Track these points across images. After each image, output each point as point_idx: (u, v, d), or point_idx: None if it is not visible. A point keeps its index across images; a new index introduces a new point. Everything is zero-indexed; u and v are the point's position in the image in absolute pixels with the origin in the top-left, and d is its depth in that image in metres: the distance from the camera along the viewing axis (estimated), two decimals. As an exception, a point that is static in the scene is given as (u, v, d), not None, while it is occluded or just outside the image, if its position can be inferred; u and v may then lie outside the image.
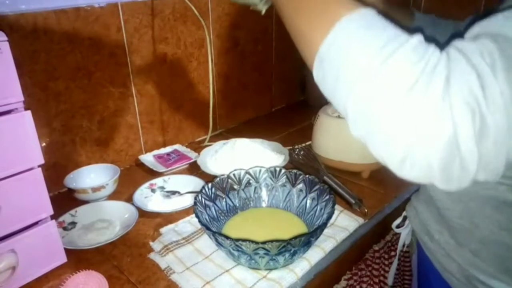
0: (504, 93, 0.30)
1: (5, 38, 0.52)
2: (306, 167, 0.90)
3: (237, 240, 0.55)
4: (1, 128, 0.53)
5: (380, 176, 0.85)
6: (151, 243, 0.69)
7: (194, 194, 0.75)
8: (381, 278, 0.83)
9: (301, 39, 0.40)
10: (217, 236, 0.57)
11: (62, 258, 0.65)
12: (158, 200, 0.82)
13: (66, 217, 0.75)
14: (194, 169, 0.95)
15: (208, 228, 0.59)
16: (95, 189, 0.80)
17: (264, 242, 0.55)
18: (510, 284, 0.51)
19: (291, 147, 1.00)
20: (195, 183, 0.86)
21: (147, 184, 0.86)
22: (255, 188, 0.77)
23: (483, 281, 0.53)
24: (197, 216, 0.62)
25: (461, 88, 0.30)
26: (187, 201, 0.80)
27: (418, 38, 0.34)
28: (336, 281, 0.72)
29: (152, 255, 0.66)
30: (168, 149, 1.04)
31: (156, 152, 1.02)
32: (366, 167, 0.85)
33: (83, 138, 0.89)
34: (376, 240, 0.81)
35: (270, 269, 0.61)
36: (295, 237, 0.55)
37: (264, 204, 0.77)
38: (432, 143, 0.31)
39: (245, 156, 0.89)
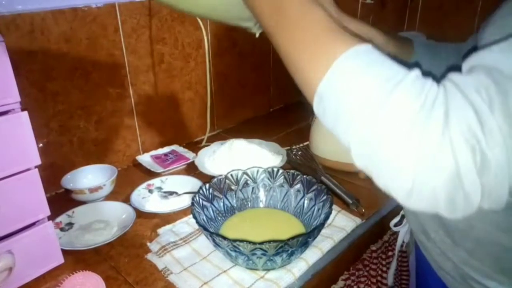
0: (502, 128, 0.31)
1: (1, 38, 0.52)
2: (304, 168, 0.90)
3: (235, 240, 0.55)
4: (-2, 128, 0.53)
5: (378, 177, 0.85)
6: (148, 243, 0.69)
7: (191, 195, 0.75)
8: (379, 278, 0.83)
9: (298, 75, 0.40)
10: (215, 236, 0.57)
11: (59, 259, 0.65)
12: (155, 201, 0.82)
13: (63, 218, 0.75)
14: (191, 169, 0.95)
15: (205, 229, 0.59)
16: (92, 190, 0.79)
17: (261, 243, 0.55)
18: (504, 284, 0.51)
19: (288, 148, 1.00)
20: (192, 183, 0.86)
21: (144, 185, 0.86)
22: (253, 188, 0.77)
23: (478, 280, 0.53)
24: (194, 217, 0.62)
25: (460, 125, 0.31)
26: (185, 201, 0.80)
27: (415, 73, 0.34)
28: (334, 281, 0.72)
29: (149, 256, 0.66)
30: (165, 149, 1.04)
31: (153, 152, 1.02)
32: (363, 167, 0.85)
33: (80, 139, 0.89)
34: (373, 240, 0.81)
35: (268, 270, 0.61)
36: (293, 238, 0.55)
37: (261, 205, 0.77)
38: (436, 178, 0.31)
39: (243, 157, 0.89)
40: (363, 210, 0.75)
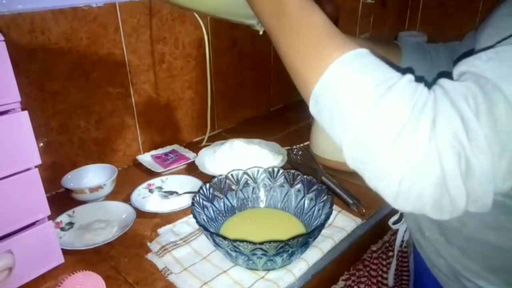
0: (487, 135, 0.31)
1: (2, 38, 0.52)
2: (304, 168, 0.90)
3: (235, 240, 0.55)
4: (-2, 128, 0.53)
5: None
6: (148, 243, 0.69)
7: (192, 195, 0.75)
8: (379, 278, 0.83)
9: (295, 76, 0.41)
10: (215, 236, 0.57)
11: (59, 259, 0.65)
12: (156, 201, 0.82)
13: (64, 218, 0.75)
14: (192, 169, 0.95)
15: (205, 229, 0.59)
16: (92, 190, 0.79)
17: (261, 243, 0.55)
18: (493, 283, 0.52)
19: (289, 147, 1.00)
20: (193, 183, 0.86)
21: (145, 185, 0.86)
22: (253, 188, 0.77)
23: (469, 278, 0.54)
24: (194, 217, 0.62)
25: (446, 132, 0.32)
26: (185, 201, 0.80)
27: (408, 78, 0.35)
28: (334, 282, 0.72)
29: (149, 256, 0.66)
30: (166, 149, 1.04)
31: (154, 152, 1.02)
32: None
33: (80, 138, 0.89)
34: (374, 240, 0.81)
35: (268, 270, 0.61)
36: (293, 238, 0.55)
37: (262, 205, 0.77)
38: (422, 183, 0.32)
39: (243, 157, 0.89)
40: (364, 211, 0.75)
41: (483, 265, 0.52)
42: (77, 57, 0.83)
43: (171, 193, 0.84)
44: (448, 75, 0.37)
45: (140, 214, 0.76)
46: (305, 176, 0.73)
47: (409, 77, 0.36)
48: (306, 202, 0.72)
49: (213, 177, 0.75)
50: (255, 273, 0.61)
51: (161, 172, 0.92)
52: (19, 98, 0.55)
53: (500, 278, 0.51)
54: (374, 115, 0.34)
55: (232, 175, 0.75)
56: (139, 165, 0.98)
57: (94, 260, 0.66)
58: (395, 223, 0.75)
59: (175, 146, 1.06)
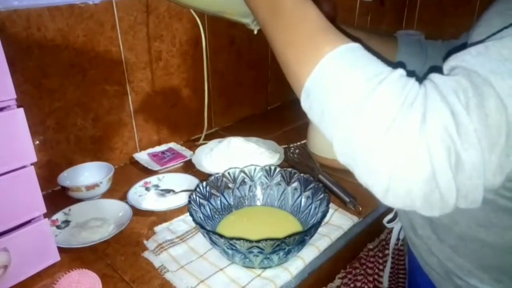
0: (477, 130, 0.31)
1: (-3, 34, 0.52)
2: (301, 166, 0.90)
3: (231, 238, 0.55)
4: (-7, 125, 0.53)
5: (375, 175, 0.85)
6: (145, 241, 0.69)
7: (188, 193, 0.75)
8: (375, 276, 0.84)
9: (288, 71, 0.42)
10: (211, 234, 0.57)
11: (55, 257, 0.64)
12: (152, 199, 0.82)
13: (60, 216, 0.75)
14: (189, 167, 0.94)
15: (202, 227, 0.59)
16: (89, 187, 0.79)
17: (258, 241, 0.55)
18: (484, 281, 0.52)
19: (286, 146, 1.00)
20: (189, 181, 0.86)
21: (141, 183, 0.85)
22: (250, 186, 0.77)
23: (460, 276, 0.54)
24: (191, 215, 0.62)
25: (436, 126, 0.31)
26: (182, 199, 0.80)
27: (399, 73, 0.35)
28: (330, 280, 0.73)
29: (146, 254, 0.66)
30: (163, 147, 1.04)
31: (150, 150, 1.02)
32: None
33: (77, 136, 0.89)
34: (370, 238, 0.81)
35: (265, 268, 0.61)
36: (290, 236, 0.55)
37: (258, 203, 0.77)
38: (412, 178, 0.32)
39: (240, 155, 0.89)
40: (360, 209, 0.75)
41: (474, 263, 0.52)
42: (73, 55, 0.83)
43: (168, 191, 0.84)
44: (439, 70, 0.37)
45: (137, 212, 0.76)
46: (302, 174, 0.73)
47: (400, 71, 0.36)
48: (303, 200, 0.72)
49: (210, 175, 0.75)
50: (252, 271, 0.61)
51: (158, 170, 0.92)
52: (14, 95, 0.55)
53: (491, 276, 0.51)
54: (364, 109, 0.34)
55: (229, 173, 0.75)
56: (135, 163, 0.97)
57: (90, 258, 0.66)
58: (389, 221, 0.75)
59: (172, 144, 1.05)
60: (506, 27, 0.37)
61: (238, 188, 0.76)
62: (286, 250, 0.57)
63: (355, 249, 0.77)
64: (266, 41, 0.45)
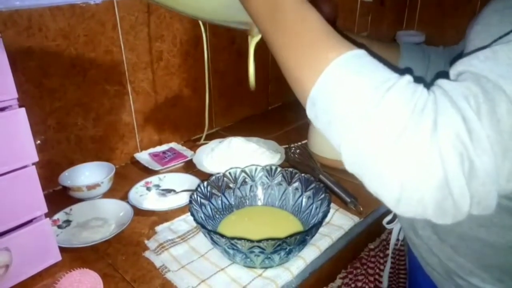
0: (490, 136, 0.31)
1: (-1, 34, 0.52)
2: (302, 166, 0.90)
3: (233, 238, 0.55)
4: (-5, 125, 0.53)
5: (376, 175, 0.85)
6: (146, 241, 0.69)
7: (189, 193, 0.75)
8: (376, 276, 0.84)
9: (291, 79, 0.41)
10: (212, 234, 0.57)
11: (57, 256, 0.64)
12: (153, 199, 0.82)
13: (61, 215, 0.75)
14: (189, 167, 0.94)
15: (203, 227, 0.59)
16: (90, 187, 0.79)
17: (259, 241, 0.55)
18: (485, 280, 0.52)
19: (287, 146, 1.00)
20: (190, 181, 0.86)
21: (142, 182, 0.86)
22: (251, 186, 0.77)
23: (462, 276, 0.54)
24: (192, 215, 0.62)
25: (448, 133, 0.31)
26: (183, 199, 0.80)
27: (407, 79, 0.35)
28: (331, 280, 0.73)
29: (147, 254, 0.66)
30: (163, 147, 1.04)
31: (151, 150, 1.02)
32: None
33: (78, 136, 0.89)
34: (371, 239, 0.81)
35: (266, 268, 0.61)
36: (291, 236, 0.55)
37: (259, 203, 0.77)
38: (424, 186, 0.32)
39: (241, 155, 0.89)
40: (361, 209, 0.75)
41: (475, 262, 0.52)
42: (74, 55, 0.83)
43: (169, 191, 0.84)
44: (445, 75, 0.37)
45: (138, 212, 0.76)
46: (302, 174, 0.73)
47: (408, 77, 0.35)
48: (304, 200, 0.72)
49: (211, 175, 0.75)
50: (253, 271, 0.61)
51: (159, 170, 0.92)
52: (16, 95, 0.55)
53: (492, 276, 0.51)
54: (373, 117, 0.33)
55: (230, 173, 0.75)
56: (136, 163, 0.97)
57: (92, 258, 0.66)
58: (389, 222, 0.75)
59: (173, 144, 1.05)
60: None
61: (239, 188, 0.76)
62: (287, 250, 0.57)
63: (356, 249, 0.77)
64: (267, 41, 0.45)
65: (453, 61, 0.37)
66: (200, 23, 0.93)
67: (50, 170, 0.84)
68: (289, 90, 0.43)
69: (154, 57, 0.97)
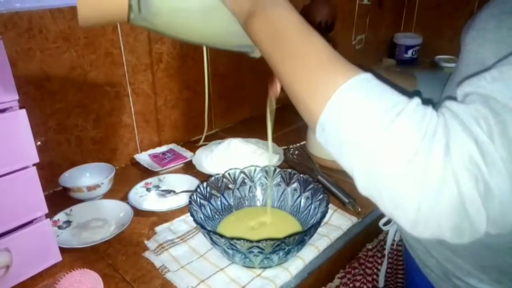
0: (503, 157, 0.31)
1: None
2: (301, 167, 0.90)
3: (232, 238, 0.56)
4: (-4, 126, 0.53)
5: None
6: (146, 241, 0.69)
7: (189, 193, 0.76)
8: (374, 276, 0.84)
9: (300, 105, 0.40)
10: (212, 234, 0.57)
11: (57, 257, 0.65)
12: (153, 199, 0.82)
13: (61, 216, 0.75)
14: (189, 168, 0.95)
15: (203, 227, 0.59)
16: (90, 188, 0.80)
17: (258, 241, 0.55)
18: (483, 281, 0.52)
19: (286, 147, 1.01)
20: (190, 182, 0.86)
21: (142, 183, 0.86)
22: (250, 187, 0.77)
23: (460, 277, 0.54)
24: (192, 215, 0.62)
25: (461, 156, 0.31)
26: (182, 200, 0.80)
27: (416, 102, 0.35)
28: (330, 280, 0.73)
29: (147, 254, 0.66)
30: (163, 148, 1.04)
31: (151, 151, 1.02)
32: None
33: (78, 137, 0.89)
34: (369, 239, 0.82)
35: (265, 268, 0.62)
36: (289, 236, 0.56)
37: (258, 203, 0.78)
38: (441, 209, 0.32)
39: (240, 156, 0.90)
40: (359, 209, 0.76)
41: (473, 263, 0.52)
42: (75, 57, 0.84)
43: (169, 191, 0.84)
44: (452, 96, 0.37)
45: (138, 212, 0.77)
46: (301, 175, 0.74)
47: (417, 100, 0.35)
48: (302, 200, 0.73)
49: (210, 176, 0.75)
50: (252, 271, 0.62)
51: (159, 171, 0.93)
52: (17, 97, 0.55)
53: (490, 277, 0.51)
54: (384, 142, 0.33)
55: (229, 174, 0.76)
56: (136, 164, 0.98)
57: (92, 258, 0.66)
58: (385, 224, 0.76)
59: (173, 145, 1.06)
60: None
61: (238, 189, 0.77)
62: (286, 250, 0.58)
63: (354, 249, 0.78)
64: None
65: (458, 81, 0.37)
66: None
67: (50, 171, 0.85)
68: (288, 92, 0.43)
69: (154, 59, 0.98)
